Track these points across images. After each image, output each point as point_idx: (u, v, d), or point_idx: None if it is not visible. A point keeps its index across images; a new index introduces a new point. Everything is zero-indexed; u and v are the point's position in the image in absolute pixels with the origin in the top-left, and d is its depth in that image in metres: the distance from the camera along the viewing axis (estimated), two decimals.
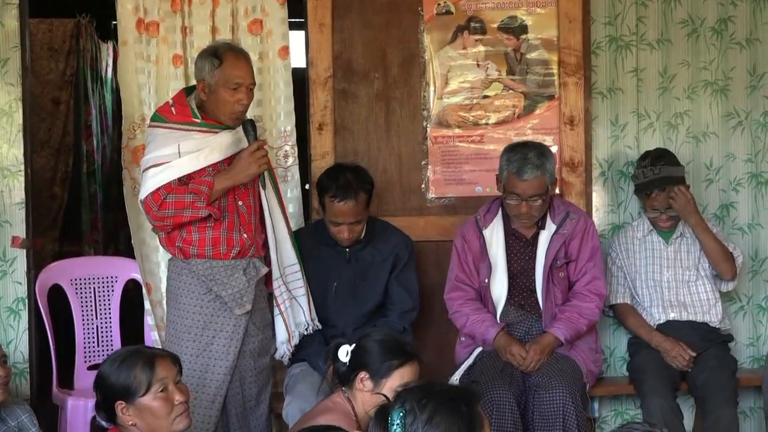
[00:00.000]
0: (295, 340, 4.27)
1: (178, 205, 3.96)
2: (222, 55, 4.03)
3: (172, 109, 4.09)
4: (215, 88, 4.02)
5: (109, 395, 3.16)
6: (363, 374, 3.41)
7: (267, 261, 4.21)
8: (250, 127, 4.08)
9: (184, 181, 3.99)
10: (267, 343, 4.21)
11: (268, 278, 4.23)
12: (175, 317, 4.10)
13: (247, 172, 4.01)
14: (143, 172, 4.06)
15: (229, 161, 4.07)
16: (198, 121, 4.04)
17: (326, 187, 4.38)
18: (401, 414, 2.52)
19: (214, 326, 4.04)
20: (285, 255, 4.24)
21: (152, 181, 3.99)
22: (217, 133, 4.05)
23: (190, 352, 3.99)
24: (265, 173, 4.15)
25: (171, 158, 3.99)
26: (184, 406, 3.21)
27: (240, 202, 4.09)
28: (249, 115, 4.71)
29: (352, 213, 4.35)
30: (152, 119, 4.16)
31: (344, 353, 3.49)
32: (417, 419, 2.51)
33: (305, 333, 4.30)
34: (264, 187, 4.13)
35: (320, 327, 4.35)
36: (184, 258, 4.06)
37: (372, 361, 3.41)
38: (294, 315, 4.26)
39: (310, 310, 4.31)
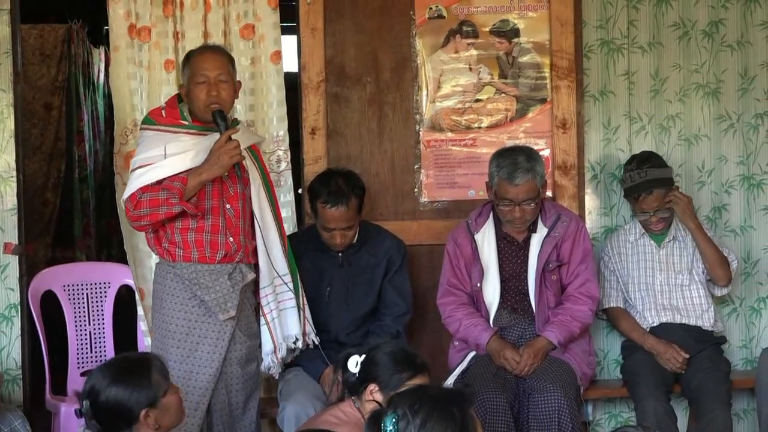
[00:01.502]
0: (282, 353, 4.16)
1: (152, 203, 3.91)
2: (191, 54, 4.09)
3: (163, 111, 4.07)
4: (189, 87, 4.02)
5: (131, 410, 3.13)
6: (373, 386, 3.38)
7: (257, 268, 4.14)
8: (219, 118, 3.97)
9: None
10: (255, 350, 4.13)
11: (256, 287, 4.15)
12: (160, 322, 4.04)
13: (219, 164, 3.91)
14: (130, 173, 4.04)
15: None
16: (186, 123, 4.03)
17: (318, 192, 4.37)
18: (394, 420, 2.52)
19: (198, 332, 3.97)
20: (277, 264, 4.16)
21: (135, 182, 3.96)
22: (205, 135, 4.01)
23: (175, 358, 3.91)
24: (258, 177, 4.11)
25: (156, 160, 3.95)
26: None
27: (228, 206, 4.04)
28: (242, 118, 4.73)
29: (344, 218, 4.34)
30: (143, 122, 4.15)
31: (354, 364, 3.45)
32: (410, 425, 2.51)
33: (294, 347, 4.19)
34: (240, 179, 4.04)
35: (317, 342, 4.25)
36: (171, 261, 4.01)
37: (382, 373, 3.38)
38: (282, 327, 4.16)
39: (302, 323, 4.20)
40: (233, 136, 3.94)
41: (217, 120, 3.97)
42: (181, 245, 3.99)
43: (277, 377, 4.31)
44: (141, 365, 3.20)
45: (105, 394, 3.14)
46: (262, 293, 4.13)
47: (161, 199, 3.90)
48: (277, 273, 4.15)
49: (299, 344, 4.20)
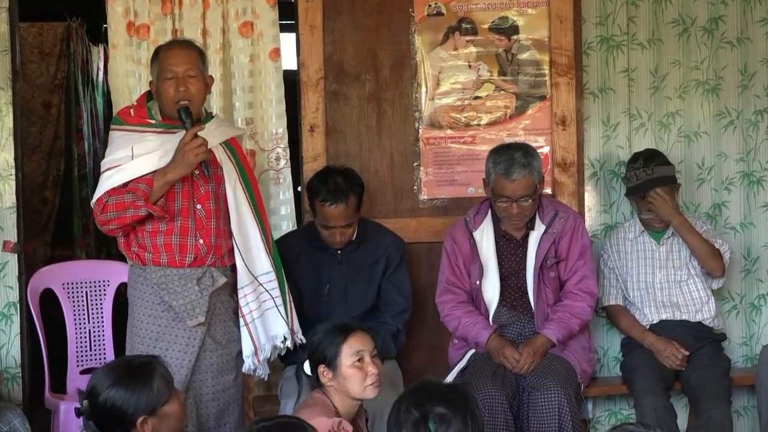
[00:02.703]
0: (265, 354, 4.06)
1: (118, 206, 3.84)
2: (159, 50, 4.02)
3: (131, 111, 4.00)
4: (157, 83, 3.95)
5: (128, 415, 3.12)
6: (321, 367, 3.51)
7: (234, 270, 4.04)
8: (185, 115, 3.89)
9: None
10: (230, 360, 4.03)
11: (235, 289, 4.05)
12: (131, 326, 3.97)
13: (185, 162, 3.82)
14: (101, 176, 3.96)
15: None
16: (153, 121, 3.95)
17: (316, 190, 4.36)
18: (434, 427, 2.79)
19: (167, 338, 3.90)
20: (257, 263, 4.06)
21: (103, 185, 3.89)
22: (173, 133, 3.91)
23: None
24: (235, 173, 4.01)
25: (124, 161, 3.88)
26: None
27: (198, 206, 3.94)
28: (241, 116, 4.73)
29: (343, 216, 4.33)
30: (112, 122, 4.08)
31: (307, 366, 3.59)
32: (450, 428, 2.82)
33: (282, 346, 4.10)
34: (210, 178, 3.94)
35: (303, 341, 4.12)
36: (141, 264, 3.94)
37: (322, 350, 3.52)
38: (265, 327, 4.05)
39: (290, 322, 4.10)
40: (200, 134, 3.87)
41: (182, 117, 3.89)
42: (151, 249, 3.92)
43: (266, 379, 4.27)
44: (144, 371, 3.17)
45: (104, 396, 3.13)
46: (240, 294, 4.02)
47: (127, 202, 3.83)
48: (256, 273, 4.04)
49: (288, 343, 4.10)
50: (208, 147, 3.91)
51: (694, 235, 4.57)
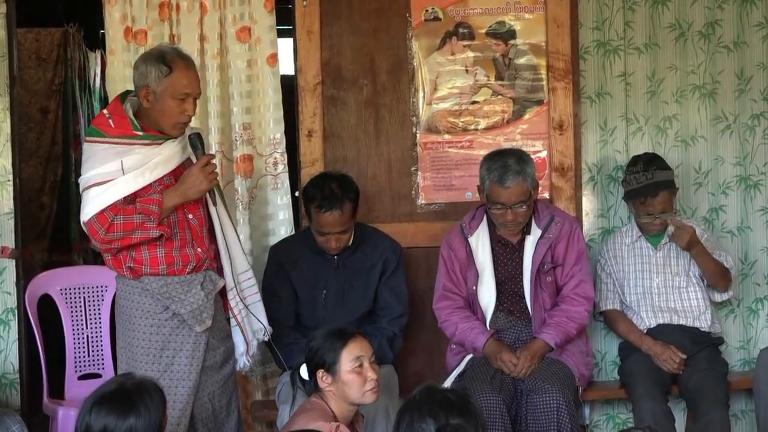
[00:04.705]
0: (253, 349, 4.11)
1: (126, 227, 3.75)
2: (171, 62, 3.81)
3: (110, 121, 3.82)
4: (161, 97, 3.80)
5: None
6: (320, 372, 3.52)
7: (219, 272, 4.04)
8: (198, 141, 3.90)
9: (129, 199, 3.78)
10: (229, 352, 4.04)
11: (222, 290, 4.05)
12: (130, 338, 3.88)
13: (198, 188, 3.82)
14: (83, 191, 3.82)
15: (174, 173, 3.89)
16: (140, 134, 3.80)
17: (312, 197, 4.36)
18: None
19: (173, 346, 3.86)
20: (238, 263, 4.07)
21: (96, 201, 3.75)
22: (160, 144, 3.84)
23: (150, 375, 3.60)
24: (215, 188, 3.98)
25: (114, 176, 3.75)
26: None
27: (190, 215, 3.91)
28: (239, 121, 4.73)
29: (338, 223, 4.33)
30: (89, 134, 3.92)
31: (304, 371, 3.59)
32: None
33: (264, 339, 4.14)
34: (215, 204, 3.95)
35: (270, 336, 4.18)
36: (136, 276, 3.86)
37: (321, 355, 3.53)
38: (251, 324, 4.09)
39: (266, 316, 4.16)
40: (177, 146, 3.86)
41: (195, 143, 3.90)
42: (148, 262, 3.85)
43: (253, 375, 4.29)
44: (143, 390, 3.13)
45: (123, 430, 3.06)
46: (229, 295, 4.03)
47: (136, 223, 3.76)
48: (237, 272, 4.05)
49: (268, 336, 4.14)
50: (184, 158, 3.92)
51: (708, 259, 4.57)
